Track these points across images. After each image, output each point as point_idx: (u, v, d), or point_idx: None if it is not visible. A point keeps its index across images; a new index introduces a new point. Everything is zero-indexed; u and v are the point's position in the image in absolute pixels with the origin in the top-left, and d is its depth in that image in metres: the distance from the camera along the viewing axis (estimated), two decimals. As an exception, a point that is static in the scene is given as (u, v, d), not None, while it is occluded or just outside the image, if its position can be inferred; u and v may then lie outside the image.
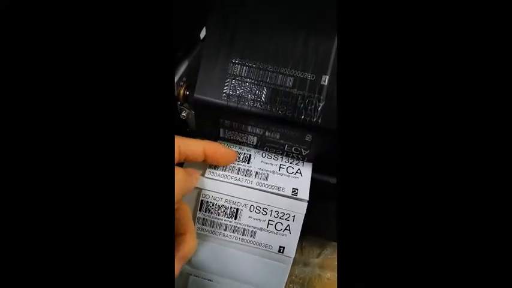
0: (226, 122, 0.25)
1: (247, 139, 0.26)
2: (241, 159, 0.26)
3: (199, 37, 0.28)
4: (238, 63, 0.23)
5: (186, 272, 0.27)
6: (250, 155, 0.26)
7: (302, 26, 0.22)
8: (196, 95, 0.24)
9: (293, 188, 0.25)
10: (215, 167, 0.25)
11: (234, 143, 0.27)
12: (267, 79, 0.23)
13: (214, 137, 0.27)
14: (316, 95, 0.23)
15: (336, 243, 0.37)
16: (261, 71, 0.23)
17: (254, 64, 0.23)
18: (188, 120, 0.27)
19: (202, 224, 0.25)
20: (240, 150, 0.26)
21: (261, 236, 0.25)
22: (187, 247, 0.21)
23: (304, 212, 0.24)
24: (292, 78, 0.23)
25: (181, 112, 0.26)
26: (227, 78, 0.23)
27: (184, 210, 0.23)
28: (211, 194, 0.25)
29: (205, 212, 0.25)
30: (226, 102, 0.23)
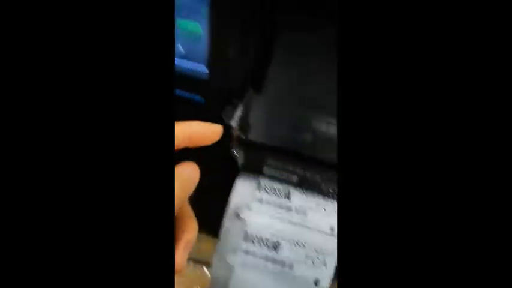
0: (272, 161, 0.28)
1: (288, 177, 0.29)
2: (282, 195, 0.29)
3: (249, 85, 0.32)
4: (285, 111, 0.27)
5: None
6: (290, 192, 0.29)
7: None
8: (249, 138, 0.27)
9: (330, 226, 0.27)
10: (260, 200, 0.28)
11: (275, 179, 0.30)
12: (313, 125, 0.27)
13: (257, 173, 0.30)
14: (357, 143, 0.26)
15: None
16: (309, 118, 0.27)
17: (303, 113, 0.27)
18: (237, 158, 0.30)
19: (245, 254, 0.27)
20: (280, 187, 0.29)
21: (298, 269, 0.27)
22: (190, 231, 0.21)
23: (341, 248, 0.26)
24: (334, 126, 0.26)
25: (232, 150, 0.29)
26: (277, 123, 0.27)
27: (186, 209, 0.22)
28: (254, 226, 0.27)
29: (249, 243, 0.27)
30: (275, 145, 0.27)
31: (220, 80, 0.25)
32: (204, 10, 0.22)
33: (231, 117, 0.29)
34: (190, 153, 0.20)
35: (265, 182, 0.30)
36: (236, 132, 0.29)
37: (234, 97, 0.29)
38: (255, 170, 0.29)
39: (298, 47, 0.28)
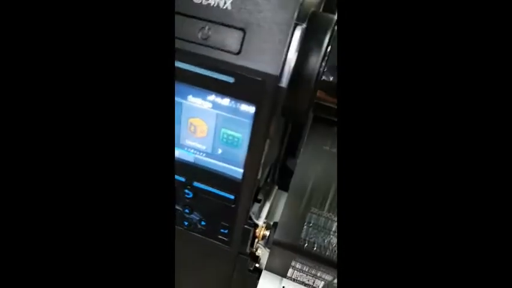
0: (298, 264, 0.27)
1: (313, 283, 0.28)
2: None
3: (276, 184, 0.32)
4: (315, 214, 0.27)
5: None
6: (314, 297, 0.28)
7: None
8: (276, 237, 0.26)
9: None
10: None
11: (300, 283, 0.28)
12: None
13: (281, 275, 0.28)
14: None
15: None
16: (331, 222, 0.26)
17: (327, 215, 0.26)
18: (260, 256, 0.28)
19: None
20: (305, 292, 0.28)
21: None
22: None
23: None
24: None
25: (256, 249, 0.28)
26: (304, 225, 0.26)
27: None
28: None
29: None
30: (301, 246, 0.26)
31: (252, 181, 0.24)
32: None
33: (258, 215, 0.28)
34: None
35: (288, 285, 0.28)
36: (262, 231, 0.28)
37: (261, 196, 0.28)
38: (279, 271, 0.28)
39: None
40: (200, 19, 0.20)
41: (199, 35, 0.20)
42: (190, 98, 0.22)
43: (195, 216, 0.27)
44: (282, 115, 0.22)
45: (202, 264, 0.30)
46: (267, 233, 0.27)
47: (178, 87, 0.22)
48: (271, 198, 0.30)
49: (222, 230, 0.27)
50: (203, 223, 0.27)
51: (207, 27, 0.20)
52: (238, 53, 0.19)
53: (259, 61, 0.19)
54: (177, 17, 0.20)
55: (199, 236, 0.28)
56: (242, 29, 0.19)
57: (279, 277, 0.29)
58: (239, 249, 0.28)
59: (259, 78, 0.19)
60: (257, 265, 0.29)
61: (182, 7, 0.20)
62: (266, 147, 0.22)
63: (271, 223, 0.28)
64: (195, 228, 0.28)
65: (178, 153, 0.25)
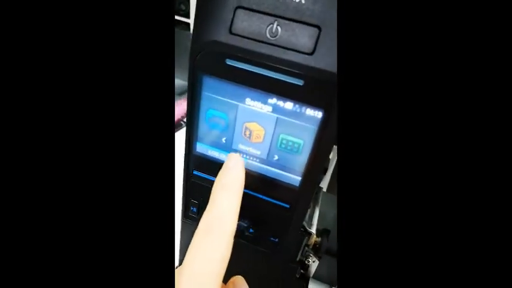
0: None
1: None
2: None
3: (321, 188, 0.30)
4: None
5: None
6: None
7: None
8: (328, 245, 0.25)
9: None
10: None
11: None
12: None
13: (330, 285, 0.27)
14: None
15: None
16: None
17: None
18: (310, 266, 0.27)
19: None
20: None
21: None
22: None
23: None
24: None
25: (307, 258, 0.27)
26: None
27: None
28: None
29: None
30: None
31: (312, 189, 0.23)
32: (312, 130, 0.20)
33: (309, 222, 0.26)
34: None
35: (339, 294, 0.27)
36: (313, 238, 0.27)
37: (312, 201, 0.27)
38: (328, 280, 0.27)
39: None
40: (268, 14, 0.17)
41: (267, 32, 0.18)
42: (248, 100, 0.20)
43: (242, 223, 0.26)
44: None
45: (247, 270, 0.29)
46: (318, 240, 0.26)
47: (235, 89, 0.20)
48: (319, 201, 0.28)
49: (271, 239, 0.25)
50: (251, 230, 0.26)
51: (276, 24, 0.17)
52: (312, 53, 0.17)
53: (334, 62, 0.17)
54: (242, 12, 0.18)
55: (246, 242, 0.26)
56: (317, 26, 0.17)
57: (328, 286, 0.28)
58: (288, 257, 0.26)
59: (334, 81, 0.17)
60: (302, 271, 0.28)
61: (247, 0, 0.17)
62: (332, 154, 0.21)
63: (320, 229, 0.26)
64: (241, 235, 0.26)
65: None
